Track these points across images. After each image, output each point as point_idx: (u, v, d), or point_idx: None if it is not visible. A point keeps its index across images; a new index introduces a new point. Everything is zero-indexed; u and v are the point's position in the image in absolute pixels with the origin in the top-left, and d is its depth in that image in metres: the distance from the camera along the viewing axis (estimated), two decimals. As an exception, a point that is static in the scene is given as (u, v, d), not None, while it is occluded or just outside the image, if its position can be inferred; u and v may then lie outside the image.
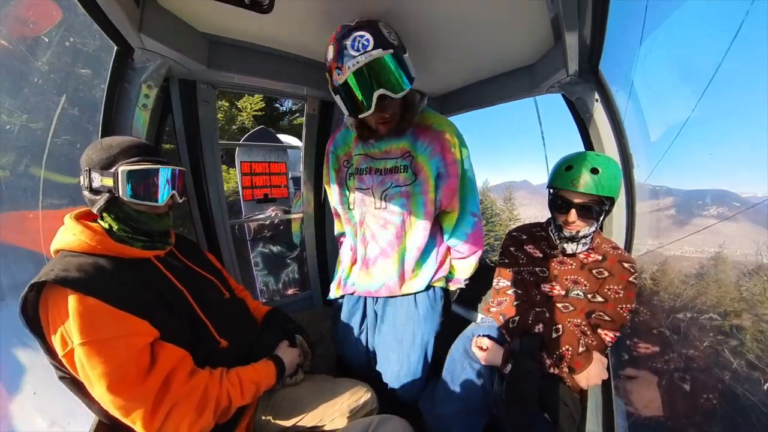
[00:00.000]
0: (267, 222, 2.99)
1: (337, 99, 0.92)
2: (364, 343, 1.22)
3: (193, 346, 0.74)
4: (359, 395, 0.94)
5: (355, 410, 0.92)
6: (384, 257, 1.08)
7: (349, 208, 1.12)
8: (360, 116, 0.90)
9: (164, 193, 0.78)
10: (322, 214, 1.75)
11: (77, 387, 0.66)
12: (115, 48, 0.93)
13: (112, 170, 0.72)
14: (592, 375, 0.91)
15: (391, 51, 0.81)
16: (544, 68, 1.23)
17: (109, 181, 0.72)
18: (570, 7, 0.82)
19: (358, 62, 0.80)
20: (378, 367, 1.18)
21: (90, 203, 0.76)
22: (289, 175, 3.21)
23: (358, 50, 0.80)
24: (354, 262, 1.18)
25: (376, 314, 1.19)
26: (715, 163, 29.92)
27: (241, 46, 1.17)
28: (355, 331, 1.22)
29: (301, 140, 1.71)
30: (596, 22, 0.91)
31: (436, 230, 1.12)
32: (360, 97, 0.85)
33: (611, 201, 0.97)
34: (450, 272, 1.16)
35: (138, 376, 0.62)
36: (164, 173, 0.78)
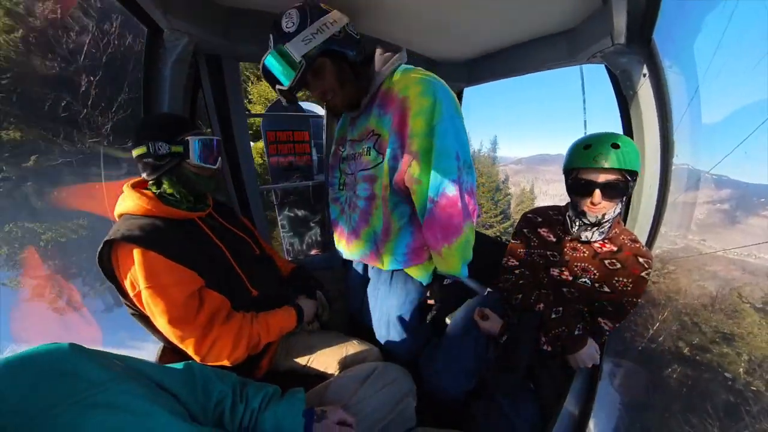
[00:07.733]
0: (292, 188, 3.18)
1: None
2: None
3: (229, 294, 0.88)
4: (365, 353, 1.06)
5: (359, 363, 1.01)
6: (356, 237, 1.06)
7: (339, 189, 1.13)
8: (286, 103, 1.00)
9: (217, 158, 0.94)
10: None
11: (145, 321, 0.82)
12: (146, 30, 1.00)
13: (179, 139, 0.86)
14: (583, 358, 0.94)
15: (274, 47, 0.85)
16: (585, 34, 1.10)
17: (178, 149, 0.85)
18: None
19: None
20: (376, 327, 1.20)
21: (152, 169, 0.85)
22: (312, 143, 3.31)
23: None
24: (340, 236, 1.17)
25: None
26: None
27: (260, 17, 1.18)
28: (364, 291, 1.25)
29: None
30: None
31: (412, 212, 0.97)
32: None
33: (635, 177, 0.92)
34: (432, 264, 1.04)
35: (190, 315, 0.78)
36: (216, 142, 0.94)
